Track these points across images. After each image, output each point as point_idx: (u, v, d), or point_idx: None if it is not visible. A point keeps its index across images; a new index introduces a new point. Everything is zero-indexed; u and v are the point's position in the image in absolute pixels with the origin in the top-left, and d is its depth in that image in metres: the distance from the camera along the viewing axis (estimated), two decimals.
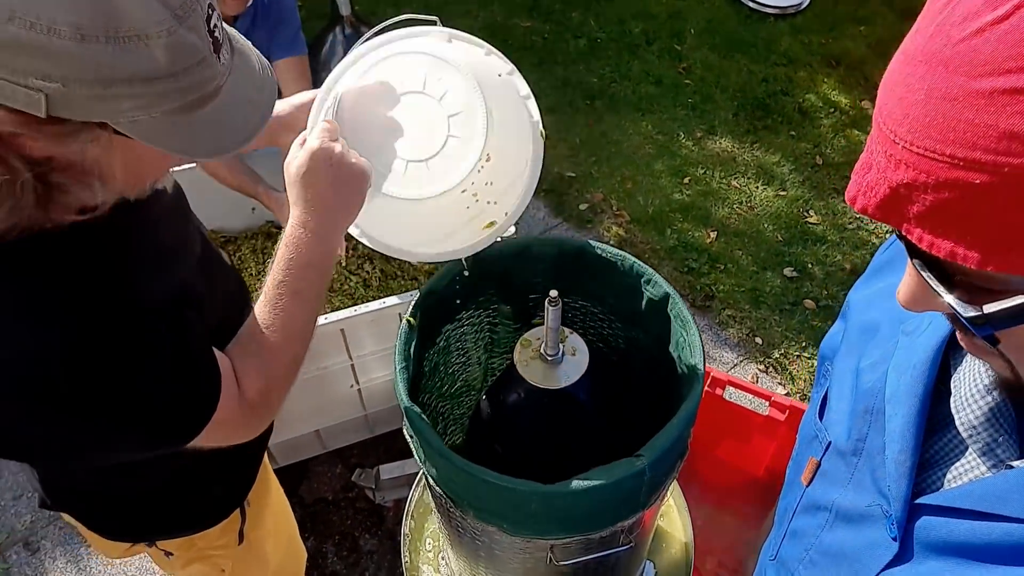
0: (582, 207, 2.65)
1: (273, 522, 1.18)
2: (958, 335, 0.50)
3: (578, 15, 3.43)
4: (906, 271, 0.46)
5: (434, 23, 0.91)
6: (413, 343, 0.92)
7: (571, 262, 1.02)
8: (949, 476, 0.54)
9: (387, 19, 0.91)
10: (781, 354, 2.24)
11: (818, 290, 2.39)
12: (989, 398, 0.52)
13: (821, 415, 0.71)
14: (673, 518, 1.50)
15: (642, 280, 0.99)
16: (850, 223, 2.59)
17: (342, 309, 1.61)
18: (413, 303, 0.95)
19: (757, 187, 2.72)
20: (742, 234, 2.56)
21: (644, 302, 1.00)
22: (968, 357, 0.55)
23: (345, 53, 2.46)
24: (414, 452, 0.93)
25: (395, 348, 0.90)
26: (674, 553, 1.44)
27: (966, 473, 0.53)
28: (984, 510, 0.49)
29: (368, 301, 1.68)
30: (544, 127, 0.90)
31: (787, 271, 2.44)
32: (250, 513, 1.08)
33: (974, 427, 0.53)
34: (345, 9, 2.36)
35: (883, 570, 0.57)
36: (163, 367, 0.69)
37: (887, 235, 2.57)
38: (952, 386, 0.55)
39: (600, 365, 1.00)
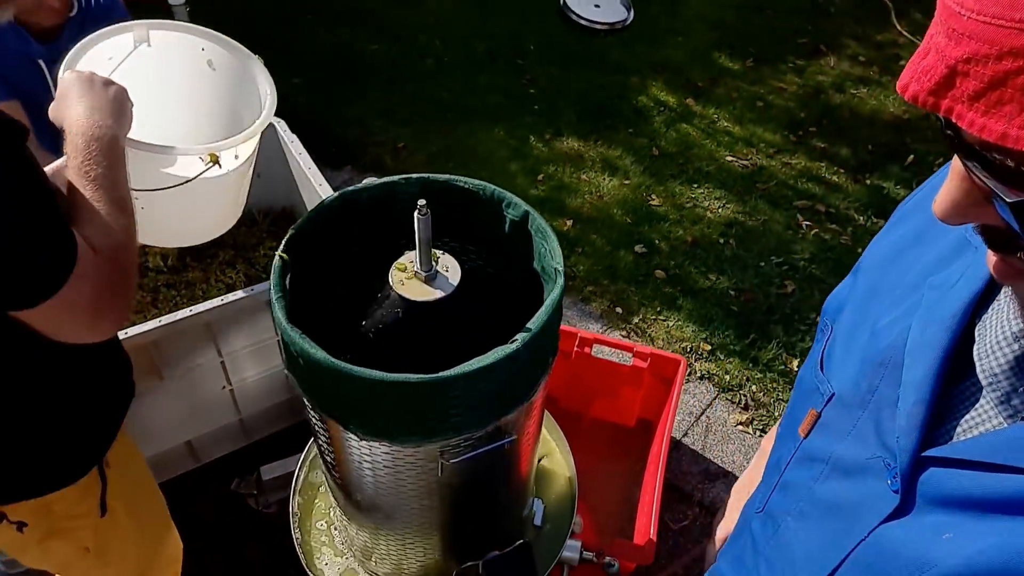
0: None
1: (139, 496, 1.14)
2: (994, 263, 0.47)
3: (423, 37, 3.58)
4: (947, 177, 0.45)
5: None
6: (288, 276, 0.95)
7: (437, 198, 1.10)
8: (960, 429, 0.53)
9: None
10: (640, 319, 2.43)
11: (666, 262, 2.62)
12: (1016, 346, 0.50)
13: (822, 368, 0.70)
14: (556, 458, 1.59)
15: (503, 205, 1.09)
16: (687, 203, 2.87)
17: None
18: (285, 240, 0.98)
19: (604, 178, 2.94)
20: (595, 220, 2.76)
21: (507, 225, 1.10)
22: (995, 308, 0.53)
23: None
24: (297, 384, 0.96)
25: (271, 282, 0.93)
26: (559, 488, 1.53)
27: (979, 425, 0.52)
28: (997, 462, 0.47)
29: None
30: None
31: (638, 248, 2.66)
32: (112, 478, 1.04)
33: (995, 375, 0.51)
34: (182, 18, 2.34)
35: (881, 523, 0.55)
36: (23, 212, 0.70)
37: (719, 210, 2.87)
38: (977, 334, 0.54)
39: (475, 283, 1.08)
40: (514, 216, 1.09)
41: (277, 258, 0.97)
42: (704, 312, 2.46)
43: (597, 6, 3.90)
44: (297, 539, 1.38)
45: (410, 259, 1.00)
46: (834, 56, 3.74)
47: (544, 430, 1.59)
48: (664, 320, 2.43)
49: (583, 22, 3.79)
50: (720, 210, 2.85)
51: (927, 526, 0.51)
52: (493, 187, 1.10)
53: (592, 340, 1.99)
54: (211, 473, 1.93)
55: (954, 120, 0.39)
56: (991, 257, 0.47)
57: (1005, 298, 0.53)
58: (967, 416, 0.53)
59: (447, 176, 1.11)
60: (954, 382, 0.54)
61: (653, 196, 2.88)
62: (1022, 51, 0.35)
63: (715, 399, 2.24)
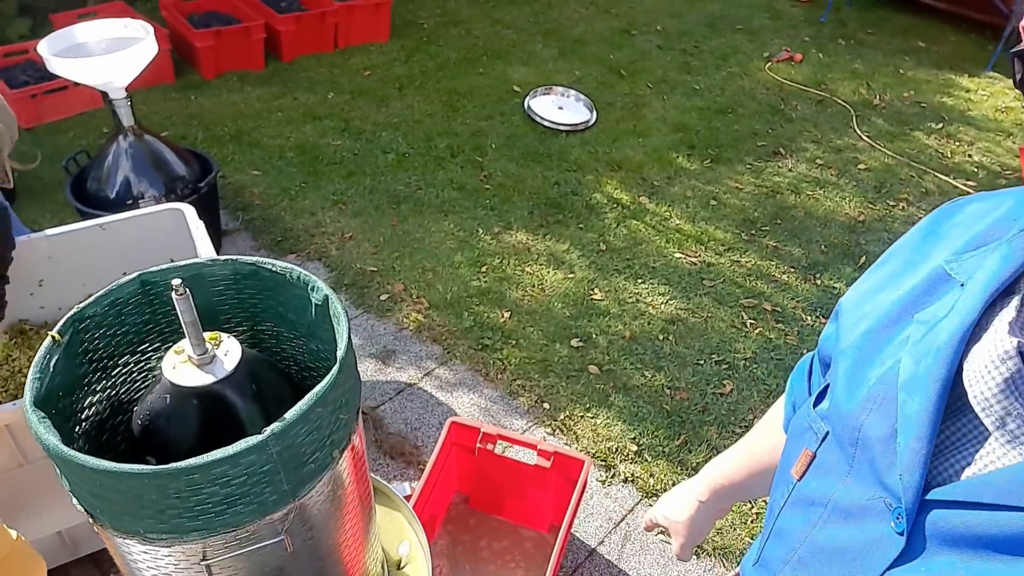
0: (383, 297, 2.74)
1: None
2: None
3: (387, 134, 3.70)
4: None
5: None
6: (56, 358, 0.92)
7: (247, 281, 1.08)
8: (964, 464, 0.51)
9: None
10: (567, 415, 2.34)
11: (601, 356, 2.56)
12: (1003, 368, 0.50)
13: (816, 406, 0.68)
14: (419, 565, 1.47)
15: (308, 288, 1.05)
16: (629, 298, 2.84)
17: None
18: (63, 321, 0.95)
19: (548, 272, 2.93)
20: (534, 312, 2.72)
21: (313, 310, 1.06)
22: (985, 336, 0.53)
23: (130, 162, 2.50)
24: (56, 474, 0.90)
25: (34, 362, 0.90)
26: None
27: (981, 459, 0.50)
28: (1002, 503, 0.46)
29: None
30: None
31: (574, 342, 2.60)
32: None
33: (986, 399, 0.50)
34: (127, 120, 2.43)
35: (888, 568, 0.53)
36: None
37: (662, 306, 2.82)
38: (965, 363, 0.53)
39: (273, 372, 1.03)
40: (317, 300, 1.05)
41: (49, 338, 0.93)
42: (635, 410, 2.37)
43: (560, 108, 4.03)
44: None
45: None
46: (792, 158, 3.79)
47: (411, 532, 1.49)
48: (592, 417, 2.34)
49: (546, 123, 3.91)
50: (663, 306, 2.81)
51: (936, 568, 0.49)
52: (300, 271, 1.07)
53: (496, 437, 1.91)
54: (89, 566, 1.83)
55: None
56: None
57: (997, 322, 0.53)
58: (970, 452, 0.51)
59: (255, 259, 1.08)
60: (953, 418, 0.53)
61: (596, 291, 2.85)
62: None
63: (637, 504, 2.11)
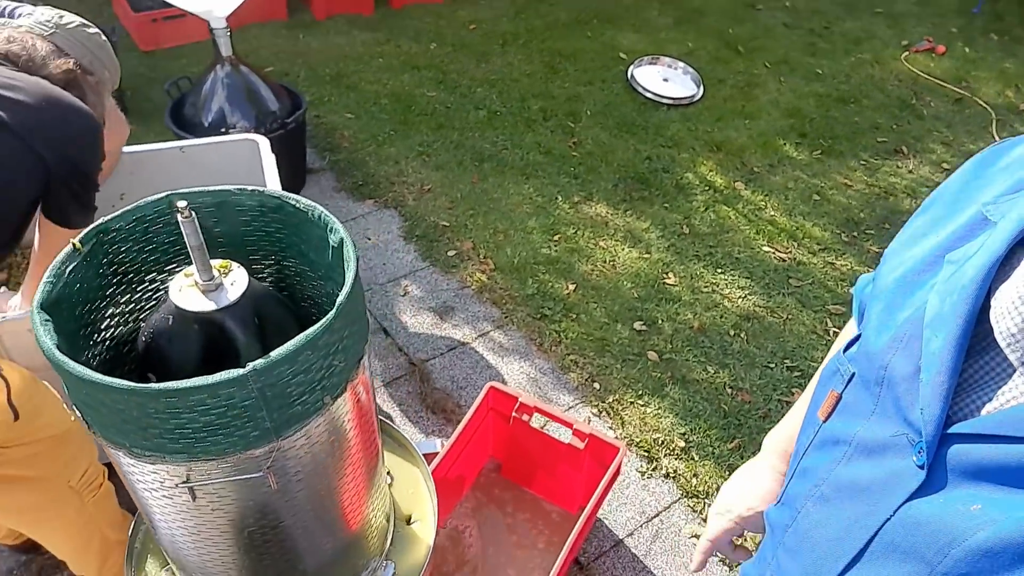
0: (450, 253, 2.71)
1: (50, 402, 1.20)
2: None
3: (482, 91, 3.64)
4: None
5: None
6: (72, 265, 0.92)
7: (273, 215, 1.05)
8: (986, 400, 0.52)
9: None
10: (616, 399, 2.24)
11: (663, 343, 2.44)
12: None
13: (845, 351, 0.69)
14: (426, 525, 1.45)
15: (327, 229, 1.02)
16: (705, 287, 2.68)
17: None
18: (87, 230, 0.96)
19: (623, 248, 2.81)
20: (600, 288, 2.62)
21: (331, 252, 1.03)
22: (1013, 274, 0.53)
23: (224, 92, 2.56)
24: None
25: (51, 266, 0.91)
26: (416, 557, 1.39)
27: (1005, 396, 0.51)
28: (1022, 435, 0.46)
29: None
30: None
31: (637, 324, 2.49)
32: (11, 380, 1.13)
33: (1013, 335, 0.50)
34: (226, 50, 2.49)
35: (907, 500, 0.54)
36: None
37: (739, 300, 2.65)
38: (992, 300, 0.53)
39: (280, 308, 1.01)
40: (334, 242, 1.02)
41: (69, 245, 0.94)
42: (690, 405, 2.25)
43: (666, 80, 3.83)
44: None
45: None
46: (915, 159, 3.45)
47: (424, 489, 1.47)
48: (643, 405, 2.23)
49: (648, 94, 3.73)
50: (740, 300, 2.63)
51: (955, 499, 0.50)
52: (322, 210, 1.03)
53: (533, 409, 1.85)
54: None
55: None
56: None
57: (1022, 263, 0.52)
58: (992, 388, 0.52)
59: (281, 192, 1.05)
60: (978, 355, 0.53)
61: (670, 275, 2.71)
62: None
63: (675, 502, 2.01)
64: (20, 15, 1.44)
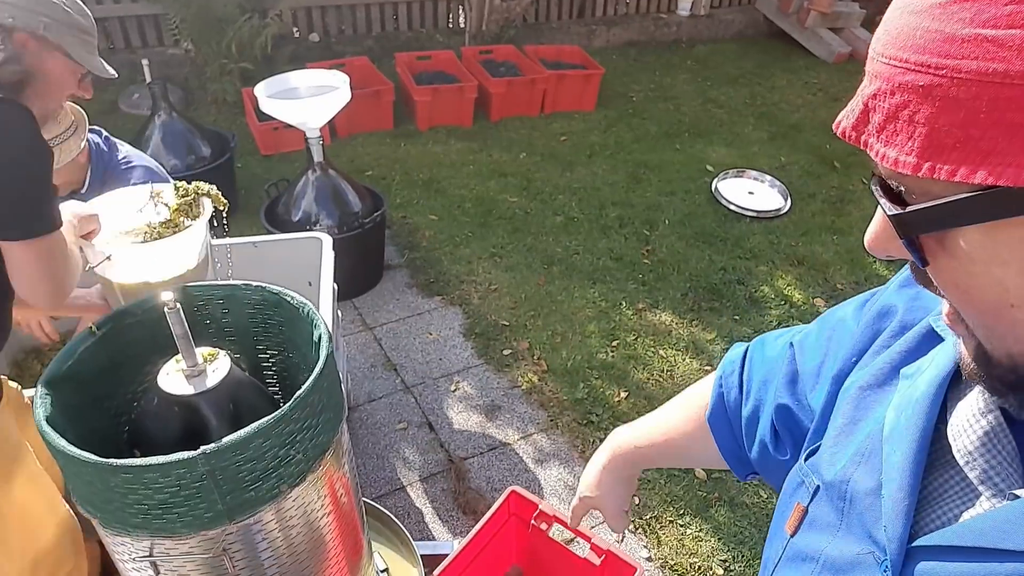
0: (505, 352, 2.76)
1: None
2: (944, 311, 0.51)
3: (563, 198, 3.77)
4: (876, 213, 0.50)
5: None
6: (84, 346, 1.05)
7: (274, 309, 1.15)
8: (948, 515, 0.51)
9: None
10: (654, 516, 2.13)
11: None
12: (984, 421, 0.51)
13: (807, 460, 0.69)
14: None
15: (312, 324, 1.10)
16: None
17: None
18: (104, 317, 1.09)
19: (684, 358, 2.74)
20: (653, 397, 2.55)
21: (313, 346, 1.10)
22: (967, 389, 0.54)
23: (313, 192, 2.82)
24: None
25: (63, 349, 1.04)
26: None
27: (968, 510, 0.50)
28: (986, 546, 0.46)
29: None
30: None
31: None
32: None
33: (969, 453, 0.51)
34: (317, 156, 2.77)
35: None
36: None
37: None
38: (950, 416, 0.54)
39: (259, 397, 1.08)
40: (315, 337, 1.09)
41: (86, 329, 1.08)
42: (735, 530, 2.10)
43: (751, 192, 3.81)
44: None
45: None
46: None
47: None
48: (683, 526, 2.11)
49: (732, 207, 3.72)
50: None
51: None
52: (310, 306, 1.11)
53: (552, 519, 1.80)
54: None
55: (867, 151, 0.45)
56: (943, 307, 0.50)
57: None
58: (956, 504, 0.51)
59: (280, 288, 1.16)
60: (940, 470, 0.53)
61: None
62: (907, 87, 0.41)
63: None
64: None
